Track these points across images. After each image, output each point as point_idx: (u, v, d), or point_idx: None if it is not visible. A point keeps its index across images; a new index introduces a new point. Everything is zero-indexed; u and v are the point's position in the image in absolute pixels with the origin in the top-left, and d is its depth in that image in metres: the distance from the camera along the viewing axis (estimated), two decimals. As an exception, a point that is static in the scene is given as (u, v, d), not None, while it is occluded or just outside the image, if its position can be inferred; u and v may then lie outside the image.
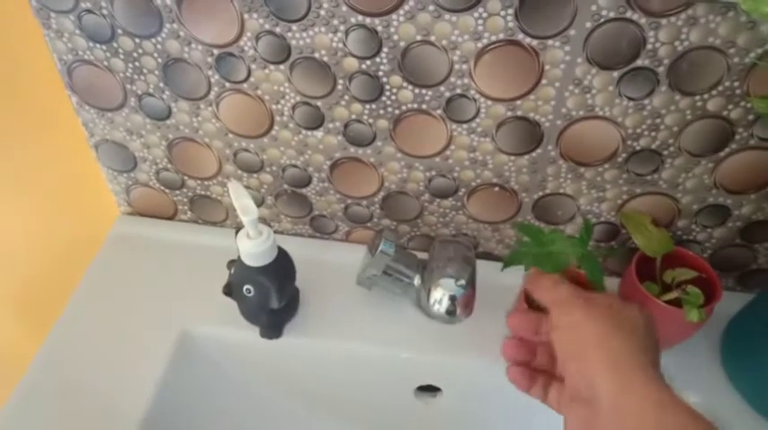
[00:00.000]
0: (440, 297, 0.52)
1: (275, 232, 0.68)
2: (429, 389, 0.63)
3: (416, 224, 0.65)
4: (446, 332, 0.58)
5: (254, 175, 0.63)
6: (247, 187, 0.64)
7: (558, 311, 0.40)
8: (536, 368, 0.43)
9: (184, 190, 0.66)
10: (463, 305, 0.52)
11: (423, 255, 0.60)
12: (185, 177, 0.64)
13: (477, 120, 0.54)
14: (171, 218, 0.70)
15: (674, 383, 0.39)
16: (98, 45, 0.53)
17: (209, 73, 0.54)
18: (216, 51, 0.52)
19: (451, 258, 0.54)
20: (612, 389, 0.34)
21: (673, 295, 0.55)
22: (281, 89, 0.54)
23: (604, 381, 0.35)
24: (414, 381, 0.62)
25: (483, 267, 0.62)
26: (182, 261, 0.65)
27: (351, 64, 0.51)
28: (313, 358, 0.61)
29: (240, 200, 0.50)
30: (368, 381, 0.62)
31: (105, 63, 0.54)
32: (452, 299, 0.51)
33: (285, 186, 0.63)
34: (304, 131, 0.57)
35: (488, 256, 0.67)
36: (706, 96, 0.49)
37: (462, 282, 0.51)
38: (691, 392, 0.57)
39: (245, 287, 0.54)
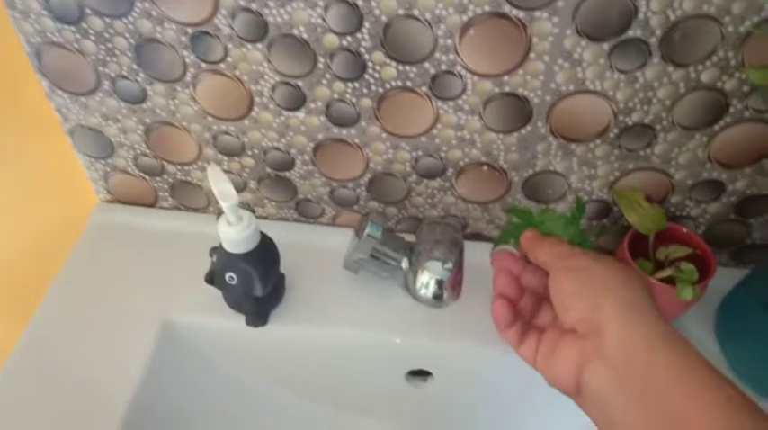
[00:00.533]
0: (426, 281, 0.50)
1: (259, 217, 0.67)
2: (420, 374, 0.62)
3: (404, 206, 0.64)
4: (435, 315, 0.56)
5: (236, 159, 0.61)
6: (228, 171, 0.62)
7: (561, 260, 0.38)
8: (519, 312, 0.41)
9: (164, 176, 0.64)
10: (451, 288, 0.50)
11: (411, 238, 0.58)
12: (165, 162, 0.62)
13: (464, 97, 0.52)
14: (152, 205, 0.68)
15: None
16: (66, 26, 0.50)
17: (184, 53, 0.51)
18: (190, 30, 0.50)
19: (439, 240, 0.52)
20: (621, 326, 0.33)
21: (666, 273, 0.53)
22: (260, 69, 0.52)
23: (613, 318, 0.34)
24: (404, 366, 0.61)
25: (473, 248, 0.61)
26: (164, 248, 0.64)
27: (331, 41, 0.49)
28: (300, 344, 0.59)
29: (219, 185, 0.48)
30: (357, 367, 0.61)
31: (75, 45, 0.52)
32: (439, 283, 0.50)
33: (268, 170, 0.61)
34: (285, 112, 0.55)
35: (478, 237, 0.66)
36: (700, 68, 0.47)
37: (449, 265, 0.50)
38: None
39: (228, 275, 0.53)
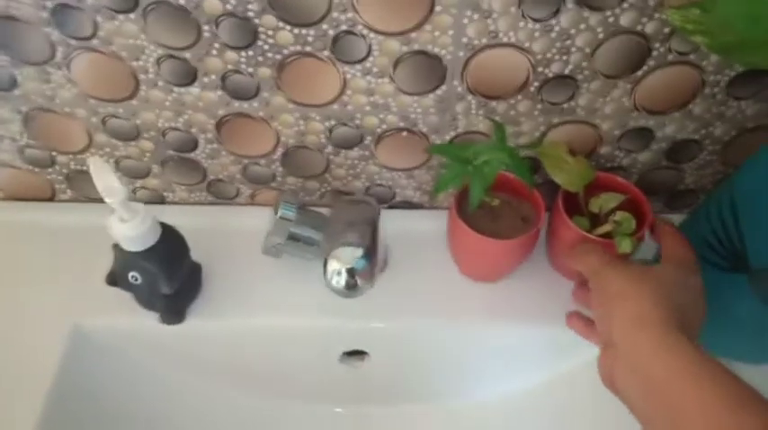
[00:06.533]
0: (337, 269, 0.46)
1: (171, 203, 0.62)
2: (356, 353, 0.59)
3: (325, 179, 0.59)
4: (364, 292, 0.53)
5: (132, 143, 0.55)
6: (128, 157, 0.56)
7: (594, 275, 0.45)
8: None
9: (57, 167, 0.58)
10: (364, 277, 0.46)
11: (332, 214, 0.54)
12: (54, 153, 0.56)
13: (371, 59, 0.47)
14: (50, 199, 0.62)
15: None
16: None
17: (48, 30, 0.45)
18: (49, 4, 0.43)
19: (352, 223, 0.48)
20: (626, 339, 0.39)
21: (605, 229, 0.51)
22: (138, 42, 0.46)
23: (620, 331, 0.40)
24: (338, 348, 0.58)
25: (402, 217, 0.58)
26: (67, 245, 0.58)
27: (213, 5, 0.43)
28: (225, 337, 0.56)
29: (102, 180, 0.43)
30: (289, 354, 0.58)
31: None
32: (351, 272, 0.46)
33: (170, 152, 0.56)
34: (177, 89, 0.50)
35: (408, 205, 0.62)
36: (617, 11, 0.44)
37: (360, 251, 0.45)
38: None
39: (131, 274, 0.48)
